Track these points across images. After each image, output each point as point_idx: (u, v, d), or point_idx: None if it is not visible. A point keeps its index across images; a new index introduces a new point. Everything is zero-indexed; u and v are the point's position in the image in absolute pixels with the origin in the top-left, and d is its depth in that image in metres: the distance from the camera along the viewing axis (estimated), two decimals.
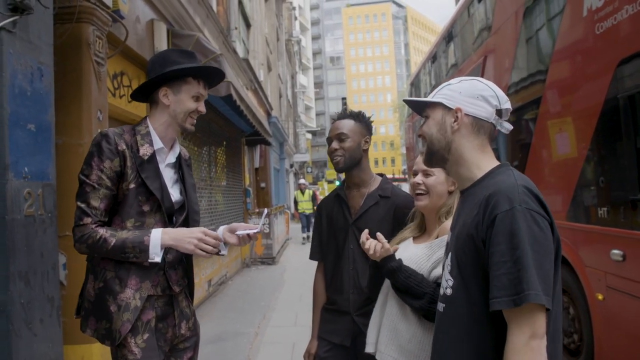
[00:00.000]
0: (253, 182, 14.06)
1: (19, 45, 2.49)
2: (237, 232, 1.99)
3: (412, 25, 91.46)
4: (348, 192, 2.38)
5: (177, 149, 2.06)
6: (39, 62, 2.65)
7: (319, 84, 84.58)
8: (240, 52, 11.12)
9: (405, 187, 15.89)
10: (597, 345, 3.80)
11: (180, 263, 2.04)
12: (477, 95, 1.42)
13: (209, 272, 7.49)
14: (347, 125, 2.30)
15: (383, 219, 2.24)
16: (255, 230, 1.99)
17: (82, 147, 3.26)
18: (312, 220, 11.29)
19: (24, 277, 2.44)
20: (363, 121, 2.34)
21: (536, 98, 4.86)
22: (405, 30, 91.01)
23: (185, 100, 1.95)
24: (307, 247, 2.64)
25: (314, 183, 43.32)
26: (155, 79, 1.93)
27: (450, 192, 1.91)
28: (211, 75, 2.05)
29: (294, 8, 35.51)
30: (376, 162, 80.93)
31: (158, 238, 1.80)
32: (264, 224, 2.31)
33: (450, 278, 1.40)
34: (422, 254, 1.85)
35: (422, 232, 2.01)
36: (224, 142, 9.69)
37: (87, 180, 1.80)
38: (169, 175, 2.01)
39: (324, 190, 28.31)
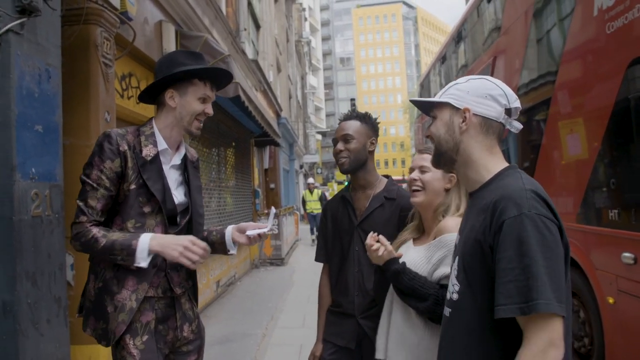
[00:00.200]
0: (262, 183, 14.08)
1: (26, 46, 2.50)
2: (248, 232, 1.99)
3: (422, 26, 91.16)
4: (353, 193, 2.36)
5: (183, 150, 2.05)
6: (46, 63, 2.66)
7: (329, 85, 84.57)
8: (250, 53, 11.14)
9: None
10: (608, 350, 3.75)
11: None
12: (485, 95, 1.39)
13: (217, 273, 7.51)
14: (353, 126, 2.29)
15: (388, 220, 2.23)
16: (265, 230, 1.99)
17: (89, 148, 3.23)
18: None
19: (31, 277, 2.46)
20: (369, 122, 2.32)
21: (546, 99, 4.81)
22: (415, 31, 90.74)
23: (191, 102, 1.93)
24: None
25: (324, 184, 43.31)
26: (162, 81, 1.93)
27: (447, 190, 1.89)
28: (218, 77, 2.02)
29: (303, 9, 35.55)
30: (386, 163, 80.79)
31: (146, 243, 1.77)
32: (273, 224, 2.31)
33: (457, 283, 1.37)
34: (421, 257, 1.83)
35: (421, 233, 1.99)
36: (233, 143, 9.72)
37: (88, 180, 1.81)
38: (173, 177, 2.00)
39: (334, 191, 28.29)
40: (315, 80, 54.44)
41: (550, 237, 1.19)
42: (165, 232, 1.90)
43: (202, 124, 2.01)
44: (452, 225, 1.77)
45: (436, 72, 11.10)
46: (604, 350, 3.80)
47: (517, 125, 1.42)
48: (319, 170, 42.32)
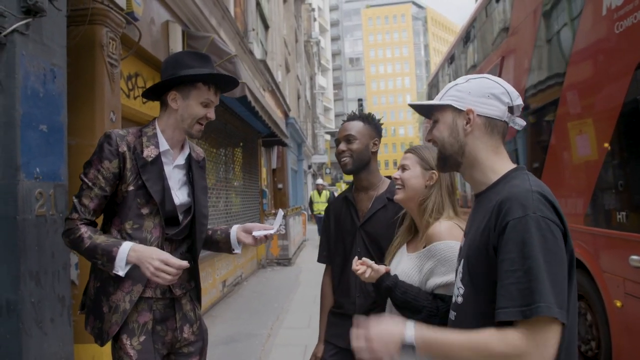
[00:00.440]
0: (270, 183, 14.10)
1: (31, 47, 2.52)
2: (254, 233, 2.00)
3: (432, 26, 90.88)
4: (356, 194, 2.36)
5: (187, 150, 2.04)
6: (51, 63, 2.68)
7: (338, 85, 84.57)
8: (258, 54, 11.16)
9: None
10: (615, 353, 3.70)
11: None
12: (488, 94, 1.36)
13: (223, 272, 7.52)
14: (356, 127, 2.28)
15: (391, 222, 2.21)
16: (271, 231, 2.00)
17: (94, 148, 3.29)
18: None
19: (35, 276, 2.47)
20: (372, 123, 2.31)
21: (554, 99, 4.77)
22: (425, 31, 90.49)
23: (193, 106, 1.92)
24: None
25: (333, 184, 43.31)
26: (165, 82, 1.93)
27: (427, 187, 1.90)
28: (223, 81, 2.01)
29: (313, 9, 35.57)
30: (395, 164, 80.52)
31: (125, 253, 1.75)
32: (280, 225, 2.30)
33: (462, 286, 1.35)
34: (413, 267, 1.82)
35: (414, 233, 1.98)
36: (241, 143, 9.73)
37: (85, 179, 1.83)
38: (177, 177, 1.99)
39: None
40: (324, 81, 54.49)
41: (553, 241, 1.16)
42: (163, 234, 1.90)
43: (203, 127, 2.00)
44: (440, 231, 1.75)
45: (445, 72, 11.05)
46: (611, 353, 3.75)
47: (520, 122, 1.39)
48: (328, 171, 42.34)
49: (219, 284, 7.28)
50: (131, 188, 1.85)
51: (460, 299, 1.35)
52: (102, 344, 1.84)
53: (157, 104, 2.03)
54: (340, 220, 2.36)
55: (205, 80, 1.92)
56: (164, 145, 1.94)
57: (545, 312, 1.11)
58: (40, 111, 2.58)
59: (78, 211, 1.81)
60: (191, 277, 2.06)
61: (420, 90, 75.97)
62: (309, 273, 9.67)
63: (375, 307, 2.14)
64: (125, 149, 1.86)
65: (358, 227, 2.27)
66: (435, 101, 1.44)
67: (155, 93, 2.00)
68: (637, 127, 3.42)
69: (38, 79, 2.57)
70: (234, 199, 8.97)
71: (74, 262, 3.31)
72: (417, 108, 1.55)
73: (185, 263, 1.78)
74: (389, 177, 2.40)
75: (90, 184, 1.82)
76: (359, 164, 2.27)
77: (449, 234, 1.75)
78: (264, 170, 12.53)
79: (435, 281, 1.72)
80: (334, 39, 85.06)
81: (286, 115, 16.24)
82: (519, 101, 1.38)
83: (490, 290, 1.24)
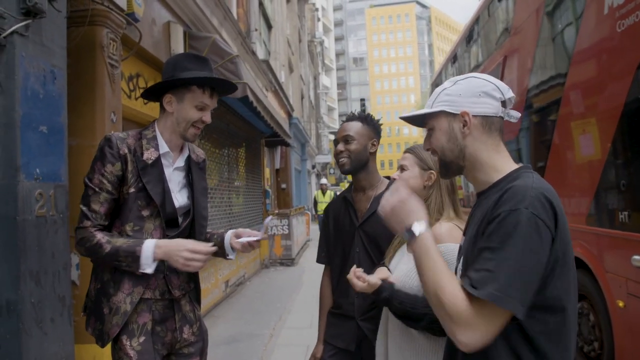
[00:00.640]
0: (273, 184, 14.10)
1: (31, 48, 2.52)
2: (239, 240, 1.99)
3: (436, 25, 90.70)
4: (355, 195, 2.35)
5: (187, 152, 2.04)
6: (51, 64, 2.68)
7: (342, 85, 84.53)
8: (261, 54, 11.17)
9: None
10: (618, 354, 3.68)
11: None
12: (479, 93, 1.35)
13: (226, 272, 7.52)
14: (354, 127, 2.28)
15: None
16: (256, 238, 1.99)
17: (95, 149, 3.26)
18: None
19: (35, 276, 2.48)
20: (371, 124, 2.31)
21: (556, 99, 4.75)
22: (429, 30, 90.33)
23: (187, 109, 1.91)
24: None
25: (336, 184, 43.29)
26: (161, 85, 1.93)
27: (425, 187, 1.91)
28: (220, 85, 2.00)
29: (316, 9, 35.59)
30: None
31: (150, 250, 1.78)
32: (265, 231, 2.30)
33: None
34: (411, 269, 1.80)
35: None
36: (243, 144, 9.74)
37: (90, 184, 1.83)
38: (177, 179, 1.99)
39: None
40: (328, 81, 54.46)
41: (537, 242, 1.15)
42: (164, 235, 1.90)
43: (199, 131, 1.99)
44: (440, 233, 1.74)
45: (448, 72, 11.03)
46: (614, 354, 3.73)
47: (515, 115, 1.38)
48: (332, 171, 42.26)
49: (222, 284, 7.28)
50: (132, 190, 1.85)
51: None
52: (102, 345, 1.85)
53: (158, 104, 2.03)
54: (339, 221, 2.36)
55: (199, 83, 1.91)
56: (163, 147, 1.94)
57: (498, 301, 1.12)
58: (40, 112, 2.59)
59: (90, 218, 1.81)
60: (190, 278, 2.06)
61: (424, 89, 75.82)
62: (312, 273, 9.65)
63: (374, 308, 2.14)
64: (126, 151, 1.86)
65: (357, 227, 2.27)
66: (427, 109, 1.42)
67: (155, 94, 2.01)
68: None
69: (38, 80, 2.57)
70: (236, 199, 8.98)
71: (75, 262, 3.32)
72: (409, 120, 1.51)
73: (212, 247, 1.85)
74: (387, 177, 2.40)
75: (96, 189, 1.82)
76: (357, 164, 2.26)
77: (449, 236, 1.75)
78: (267, 171, 12.54)
79: None
80: (338, 39, 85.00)
81: (289, 115, 16.24)
82: (510, 94, 1.37)
83: None
